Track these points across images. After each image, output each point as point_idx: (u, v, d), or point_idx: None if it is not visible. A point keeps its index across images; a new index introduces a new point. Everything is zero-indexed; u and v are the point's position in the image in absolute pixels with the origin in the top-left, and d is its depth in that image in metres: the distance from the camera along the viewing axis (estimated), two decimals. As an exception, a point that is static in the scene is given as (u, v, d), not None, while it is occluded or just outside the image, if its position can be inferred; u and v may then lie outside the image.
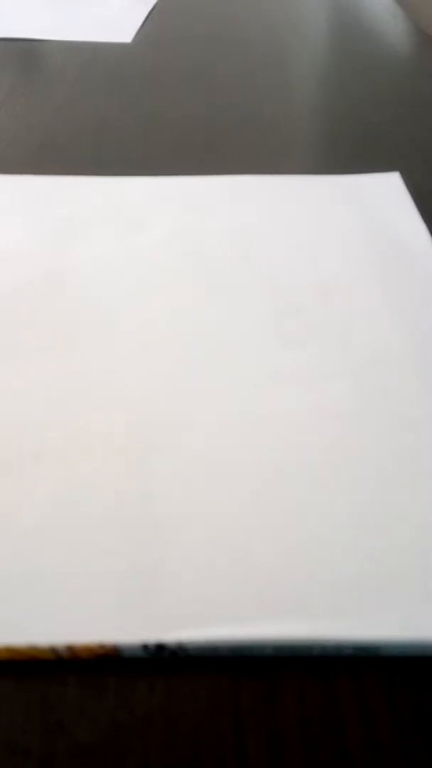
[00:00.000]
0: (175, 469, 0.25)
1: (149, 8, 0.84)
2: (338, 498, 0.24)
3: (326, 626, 0.21)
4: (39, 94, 0.58)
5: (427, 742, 0.19)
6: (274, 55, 0.68)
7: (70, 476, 0.24)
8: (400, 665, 0.21)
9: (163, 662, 0.21)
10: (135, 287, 0.33)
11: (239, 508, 0.24)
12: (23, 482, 0.24)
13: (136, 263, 0.35)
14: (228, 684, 0.20)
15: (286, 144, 0.49)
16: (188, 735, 0.19)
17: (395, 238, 0.37)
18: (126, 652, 0.20)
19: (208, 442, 0.26)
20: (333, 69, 0.64)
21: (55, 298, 0.32)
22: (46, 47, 0.70)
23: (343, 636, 0.20)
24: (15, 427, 0.26)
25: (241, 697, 0.20)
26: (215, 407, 0.27)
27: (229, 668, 0.20)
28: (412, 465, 0.25)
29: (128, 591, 0.21)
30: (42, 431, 0.26)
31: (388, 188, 0.41)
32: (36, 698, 0.20)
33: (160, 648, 0.20)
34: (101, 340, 0.30)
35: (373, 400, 0.28)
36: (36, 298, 0.32)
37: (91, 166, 0.45)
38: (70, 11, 0.82)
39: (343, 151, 0.48)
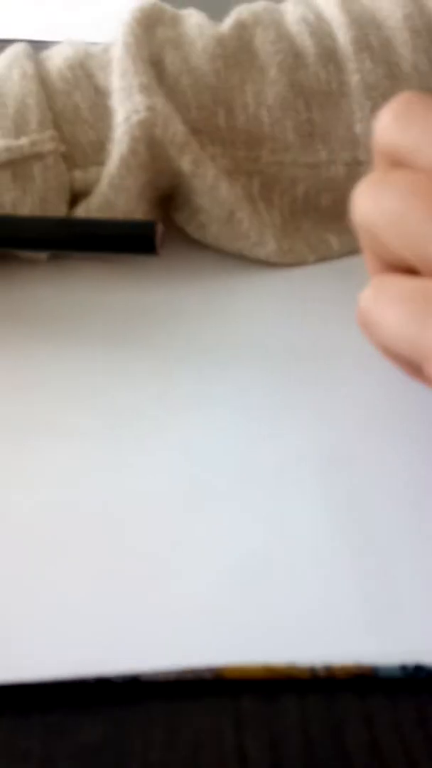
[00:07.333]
0: None
1: (149, 8, 0.84)
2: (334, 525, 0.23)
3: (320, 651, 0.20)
4: (39, 95, 0.58)
5: (427, 742, 0.19)
6: (274, 54, 0.68)
7: None
8: (400, 665, 0.21)
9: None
10: None
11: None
12: None
13: None
14: (228, 685, 0.20)
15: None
16: (189, 736, 0.19)
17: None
18: None
19: None
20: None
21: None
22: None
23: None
24: None
25: (242, 698, 0.20)
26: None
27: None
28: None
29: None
30: None
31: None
32: (36, 701, 0.20)
33: None
34: None
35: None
36: None
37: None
38: (70, 11, 0.82)
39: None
